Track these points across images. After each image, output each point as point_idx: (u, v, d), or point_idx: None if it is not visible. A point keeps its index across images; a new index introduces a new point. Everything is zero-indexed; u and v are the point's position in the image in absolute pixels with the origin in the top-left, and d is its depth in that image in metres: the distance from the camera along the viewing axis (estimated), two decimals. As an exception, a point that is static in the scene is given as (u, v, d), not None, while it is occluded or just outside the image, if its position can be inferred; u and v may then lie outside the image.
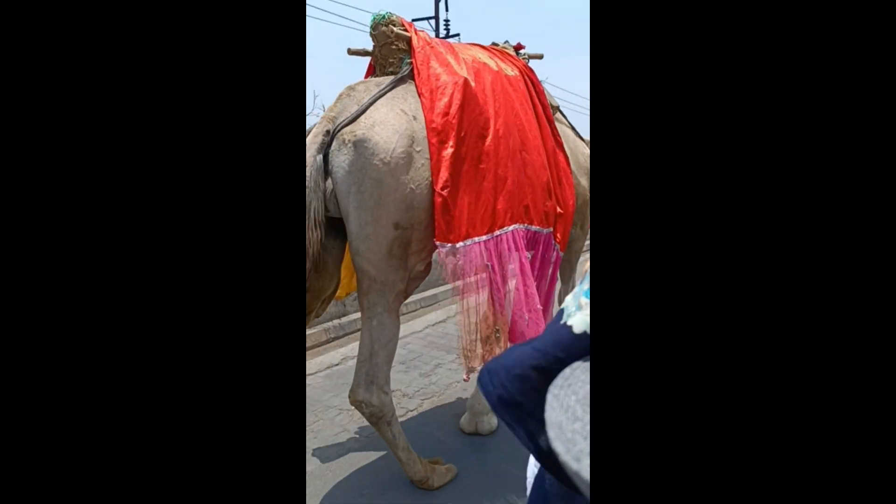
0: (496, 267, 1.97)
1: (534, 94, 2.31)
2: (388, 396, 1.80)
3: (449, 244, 1.87)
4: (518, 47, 2.62)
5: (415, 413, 2.55)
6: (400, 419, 2.49)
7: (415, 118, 1.85)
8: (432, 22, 11.87)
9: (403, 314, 4.37)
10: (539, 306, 2.03)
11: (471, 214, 1.91)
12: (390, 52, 2.09)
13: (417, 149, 1.82)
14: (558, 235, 2.25)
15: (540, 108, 2.30)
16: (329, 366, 3.23)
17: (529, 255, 2.05)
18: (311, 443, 2.32)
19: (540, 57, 2.78)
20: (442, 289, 4.89)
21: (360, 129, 1.72)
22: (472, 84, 1.96)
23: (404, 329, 3.95)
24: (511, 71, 2.25)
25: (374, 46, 2.15)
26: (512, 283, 2.01)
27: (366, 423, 2.45)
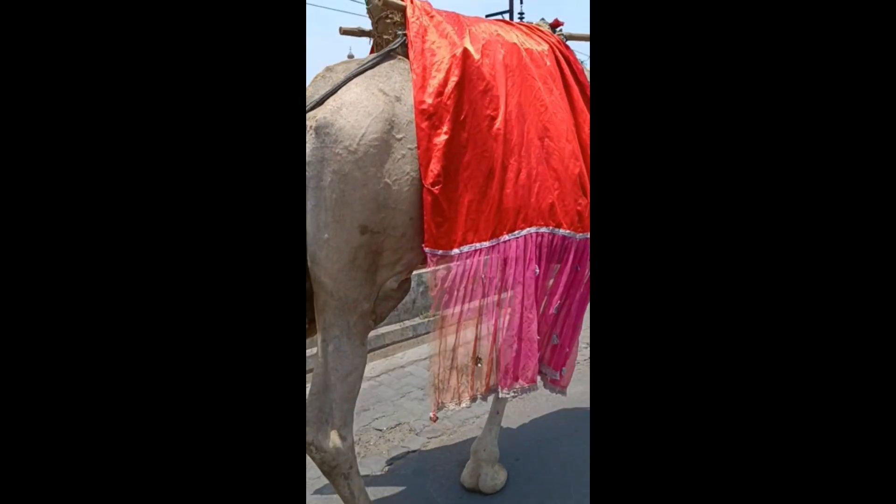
0: (494, 281, 1.58)
1: (568, 72, 1.88)
2: (348, 442, 1.44)
3: (440, 251, 1.52)
4: (555, 24, 2.20)
5: (415, 455, 2.17)
6: (395, 461, 2.12)
7: (398, 99, 1.51)
8: (506, 16, 11.59)
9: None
10: (537, 336, 1.59)
11: (472, 215, 1.56)
12: (385, 28, 1.78)
13: (398, 136, 1.48)
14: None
15: (576, 89, 1.88)
16: (343, 386, 2.94)
17: (538, 270, 1.61)
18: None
19: (587, 38, 2.35)
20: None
21: (323, 112, 1.41)
22: (476, 56, 1.59)
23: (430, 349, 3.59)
24: (536, 46, 1.85)
25: (372, 24, 1.86)
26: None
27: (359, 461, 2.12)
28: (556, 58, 1.90)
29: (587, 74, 2.01)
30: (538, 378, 1.67)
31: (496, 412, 1.96)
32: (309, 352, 3.35)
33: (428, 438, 2.29)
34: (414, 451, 2.19)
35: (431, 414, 1.56)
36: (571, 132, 1.78)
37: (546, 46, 1.90)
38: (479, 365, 1.58)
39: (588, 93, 1.93)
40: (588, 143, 1.84)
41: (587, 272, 1.81)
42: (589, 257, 1.81)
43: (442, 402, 1.55)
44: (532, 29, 2.02)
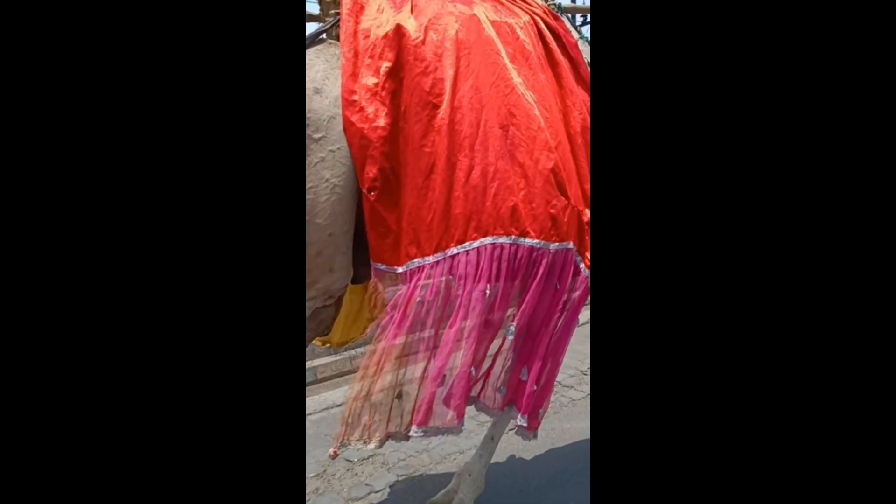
0: (435, 305, 1.32)
1: (555, 47, 1.57)
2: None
3: (383, 265, 1.32)
4: None
5: (377, 495, 1.91)
6: (352, 502, 1.88)
7: (317, 91, 1.29)
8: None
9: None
10: (471, 370, 1.33)
11: (414, 223, 1.32)
12: (326, 9, 1.56)
13: (315, 136, 1.26)
14: (589, 254, 1.47)
15: (565, 66, 1.56)
16: (331, 406, 2.74)
17: (488, 290, 1.32)
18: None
19: (585, 11, 2.01)
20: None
21: None
22: (414, 35, 1.33)
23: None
24: (509, 17, 1.54)
25: (319, 7, 1.65)
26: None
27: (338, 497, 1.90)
28: (539, 30, 1.58)
29: (586, 51, 1.67)
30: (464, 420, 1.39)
31: (490, 438, 1.69)
32: (319, 361, 3.20)
33: (398, 476, 2.03)
34: (378, 491, 1.94)
35: (331, 451, 1.33)
36: (551, 118, 1.45)
37: (526, 17, 1.58)
38: (399, 401, 1.33)
39: (581, 70, 1.60)
40: (577, 130, 1.51)
41: (564, 291, 1.48)
42: (572, 273, 1.49)
43: (346, 441, 1.32)
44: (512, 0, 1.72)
